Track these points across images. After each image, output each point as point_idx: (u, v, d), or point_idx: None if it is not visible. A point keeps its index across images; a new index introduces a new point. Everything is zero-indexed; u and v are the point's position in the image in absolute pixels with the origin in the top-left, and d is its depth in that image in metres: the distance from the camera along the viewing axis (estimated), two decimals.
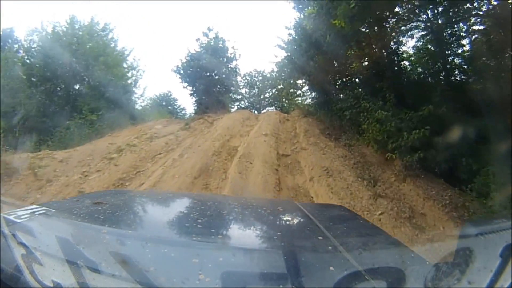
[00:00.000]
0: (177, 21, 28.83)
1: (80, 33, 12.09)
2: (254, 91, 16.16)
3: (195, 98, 13.61)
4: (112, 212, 1.64)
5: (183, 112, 16.24)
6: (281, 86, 14.62)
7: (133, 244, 1.23)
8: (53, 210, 1.51)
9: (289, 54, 9.90)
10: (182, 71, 13.39)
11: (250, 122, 10.36)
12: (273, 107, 15.31)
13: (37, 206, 1.53)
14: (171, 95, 17.20)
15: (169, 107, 16.63)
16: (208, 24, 14.08)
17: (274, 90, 15.57)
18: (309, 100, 11.54)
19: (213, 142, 8.38)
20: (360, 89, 7.63)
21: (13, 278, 0.93)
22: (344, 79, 8.81)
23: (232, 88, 14.68)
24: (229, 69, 14.12)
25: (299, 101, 13.41)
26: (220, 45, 13.49)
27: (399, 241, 1.60)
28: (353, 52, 7.86)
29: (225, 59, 13.64)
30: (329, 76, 8.50)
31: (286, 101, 15.06)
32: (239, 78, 15.71)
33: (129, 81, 13.92)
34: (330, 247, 1.31)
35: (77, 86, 12.12)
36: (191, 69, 13.13)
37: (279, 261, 1.17)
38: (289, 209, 2.26)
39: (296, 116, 10.30)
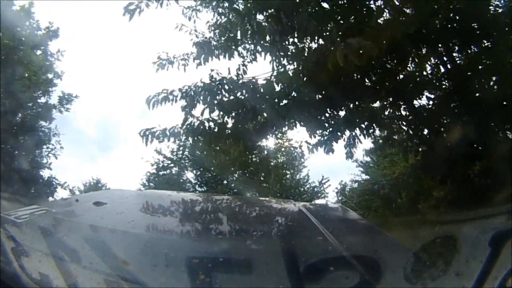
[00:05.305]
0: None
1: None
2: (173, 169, 7.30)
3: None
4: (112, 212, 1.65)
5: None
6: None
7: (133, 244, 1.24)
8: (53, 210, 1.51)
9: None
10: None
11: None
12: None
13: (37, 206, 1.53)
14: None
15: None
16: None
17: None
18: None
19: None
20: None
21: (13, 278, 0.93)
22: None
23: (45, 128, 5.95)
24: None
25: None
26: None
27: (399, 241, 1.61)
28: None
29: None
30: None
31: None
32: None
33: None
34: (330, 247, 1.32)
35: None
36: None
37: (279, 261, 1.17)
38: (290, 209, 2.26)
39: None
